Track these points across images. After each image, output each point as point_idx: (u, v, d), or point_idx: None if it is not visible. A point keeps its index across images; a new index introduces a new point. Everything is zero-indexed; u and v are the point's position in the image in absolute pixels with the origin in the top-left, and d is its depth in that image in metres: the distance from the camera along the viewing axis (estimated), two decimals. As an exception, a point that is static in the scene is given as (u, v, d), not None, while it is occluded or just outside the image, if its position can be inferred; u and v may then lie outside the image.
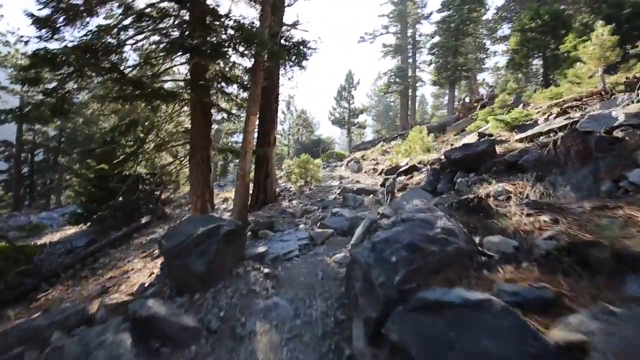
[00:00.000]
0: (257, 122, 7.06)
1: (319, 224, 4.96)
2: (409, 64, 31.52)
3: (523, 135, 6.00)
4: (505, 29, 34.36)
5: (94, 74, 5.41)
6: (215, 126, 18.06)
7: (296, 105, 43.48)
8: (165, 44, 5.96)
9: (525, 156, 4.45)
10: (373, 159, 15.22)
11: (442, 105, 46.37)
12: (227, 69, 6.83)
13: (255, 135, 7.70)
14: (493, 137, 6.16)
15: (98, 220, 10.79)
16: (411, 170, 7.78)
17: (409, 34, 31.85)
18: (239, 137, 29.53)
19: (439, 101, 46.99)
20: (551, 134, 5.29)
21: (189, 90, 6.89)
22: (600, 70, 8.08)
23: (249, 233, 5.01)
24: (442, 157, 7.62)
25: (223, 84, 6.89)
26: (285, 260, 3.77)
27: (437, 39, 27.29)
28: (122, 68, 5.67)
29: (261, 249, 3.98)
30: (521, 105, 12.81)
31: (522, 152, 4.66)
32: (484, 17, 29.20)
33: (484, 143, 5.37)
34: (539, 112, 7.40)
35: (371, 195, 6.83)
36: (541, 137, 5.42)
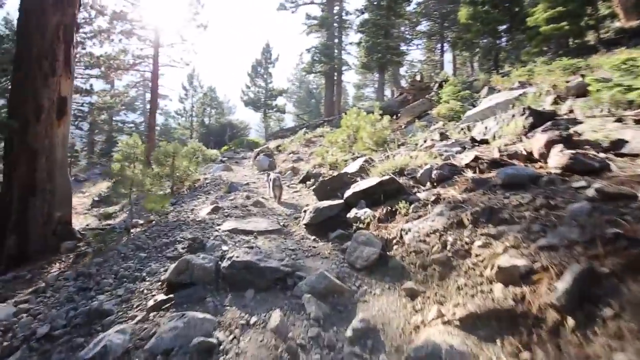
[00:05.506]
0: None
1: None
2: (335, 44, 27.61)
3: None
4: (423, 26, 33.67)
5: None
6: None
7: (202, 81, 36.01)
8: None
9: None
10: (292, 152, 10.64)
11: (364, 96, 44.44)
12: None
13: None
14: None
15: None
16: (383, 192, 2.94)
17: (335, 11, 27.84)
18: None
19: (360, 92, 45.05)
20: None
21: None
22: None
23: None
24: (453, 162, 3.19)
25: None
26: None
27: (367, 15, 23.94)
28: None
29: None
30: (486, 89, 9.91)
31: None
32: (407, 8, 27.01)
33: None
34: None
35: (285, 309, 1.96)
36: None
